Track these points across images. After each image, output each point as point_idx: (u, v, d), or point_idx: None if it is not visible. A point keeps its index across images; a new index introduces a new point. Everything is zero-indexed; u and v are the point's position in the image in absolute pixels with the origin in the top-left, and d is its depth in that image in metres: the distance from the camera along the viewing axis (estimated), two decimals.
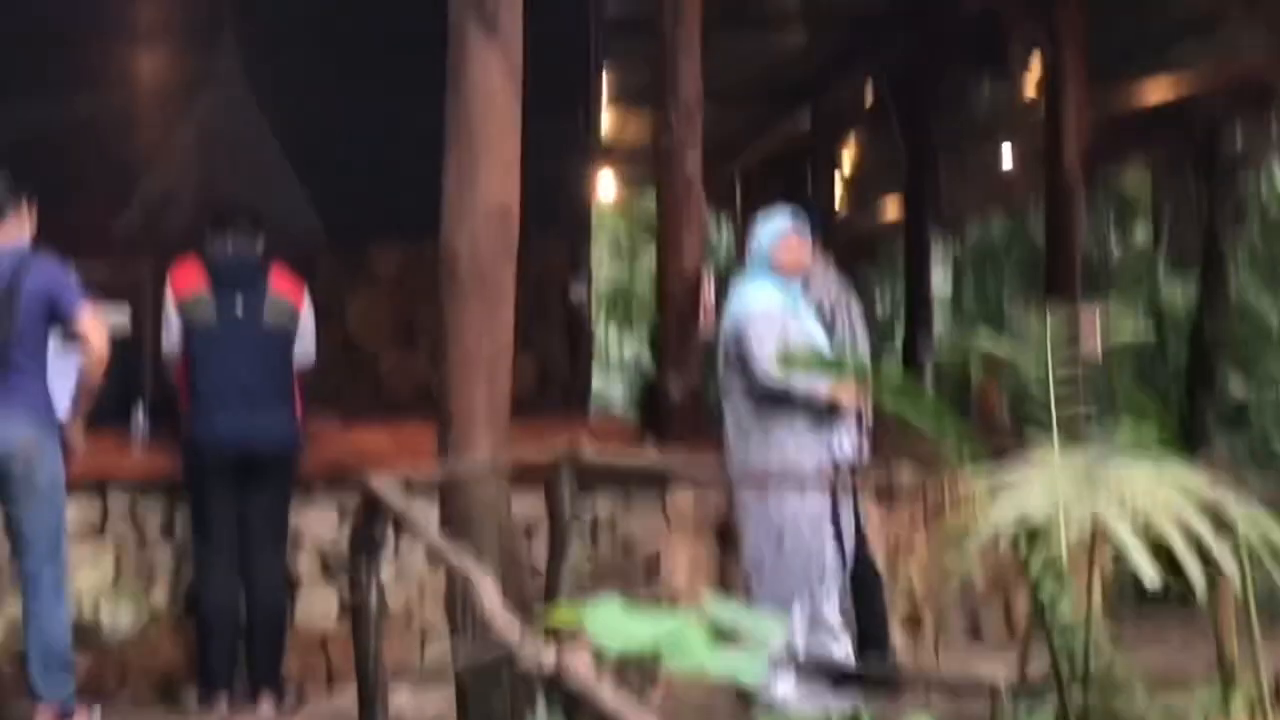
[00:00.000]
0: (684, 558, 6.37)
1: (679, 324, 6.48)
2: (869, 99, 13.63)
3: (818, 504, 5.45)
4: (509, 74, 5.19)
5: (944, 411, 4.05)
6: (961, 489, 4.85)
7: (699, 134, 6.55)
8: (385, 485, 4.41)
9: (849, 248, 15.53)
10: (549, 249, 9.13)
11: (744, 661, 2.77)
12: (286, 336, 6.00)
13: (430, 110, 8.56)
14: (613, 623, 2.82)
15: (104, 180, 8.44)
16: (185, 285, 5.96)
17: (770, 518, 5.53)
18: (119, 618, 6.03)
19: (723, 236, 18.54)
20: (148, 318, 6.81)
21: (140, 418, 6.19)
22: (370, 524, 4.54)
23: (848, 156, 15.86)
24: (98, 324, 5.35)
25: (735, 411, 5.59)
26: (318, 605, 6.15)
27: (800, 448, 5.46)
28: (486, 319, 5.13)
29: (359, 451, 6.25)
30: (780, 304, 5.57)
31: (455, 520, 5.11)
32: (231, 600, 5.86)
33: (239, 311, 5.90)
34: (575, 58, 9.24)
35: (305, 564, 6.16)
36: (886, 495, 5.17)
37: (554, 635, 4.34)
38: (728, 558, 6.41)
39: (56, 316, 5.32)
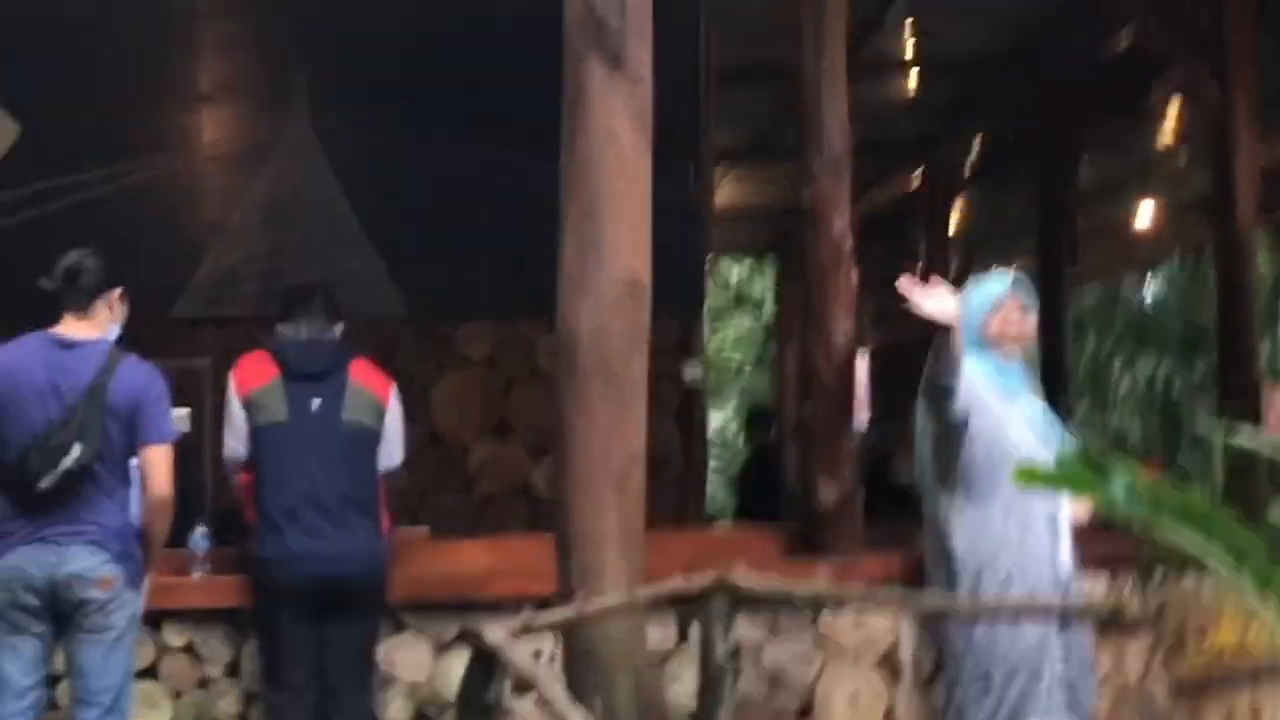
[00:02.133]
0: (843, 692, 5.40)
1: (829, 415, 5.54)
2: (986, 151, 12.72)
3: (1037, 635, 4.47)
4: (638, 118, 4.35)
5: (1232, 524, 3.06)
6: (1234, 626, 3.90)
7: (847, 191, 5.65)
8: (502, 637, 3.52)
9: None
10: (659, 326, 8.22)
11: None
12: (370, 436, 5.15)
13: (521, 171, 7.85)
14: None
15: (160, 257, 7.63)
16: (251, 377, 5.14)
17: (978, 650, 4.56)
18: None
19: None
20: (208, 416, 5.96)
21: (200, 535, 5.33)
22: (483, 684, 3.63)
23: (958, 215, 14.90)
24: (166, 463, 4.63)
25: (943, 507, 4.64)
26: None
27: (1026, 555, 4.50)
28: (616, 419, 4.28)
29: (456, 573, 5.39)
30: (995, 388, 4.62)
31: (582, 665, 4.23)
32: None
33: (314, 407, 5.05)
34: (684, 107, 8.35)
35: (396, 710, 5.27)
36: (1117, 627, 4.20)
37: None
38: (894, 691, 5.45)
39: (133, 433, 4.59)
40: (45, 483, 4.42)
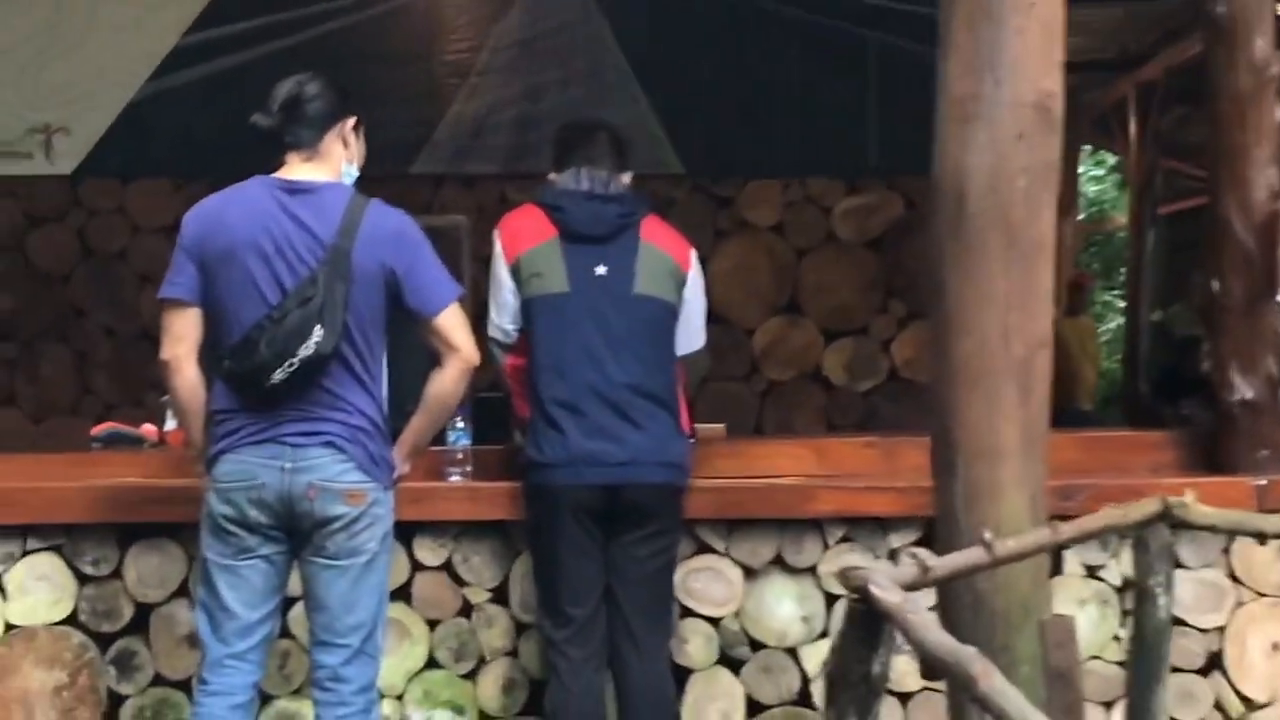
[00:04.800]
0: (1261, 639, 4.36)
1: (1246, 289, 4.44)
2: None
3: None
4: None
5: None
6: None
7: (1274, 5, 4.49)
8: (897, 596, 2.56)
9: None
10: None
11: None
12: (667, 312, 4.22)
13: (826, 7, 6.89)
14: None
15: (398, 104, 6.82)
16: (521, 238, 4.20)
17: None
18: None
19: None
20: (466, 286, 5.06)
21: (458, 431, 4.51)
22: (867, 650, 2.69)
23: None
24: (464, 323, 3.75)
25: None
26: (714, 703, 4.39)
27: None
28: (1020, 289, 3.27)
29: (771, 481, 4.49)
30: None
31: (969, 618, 3.24)
32: (595, 701, 4.13)
33: (599, 274, 4.14)
34: None
35: (695, 651, 4.40)
36: None
37: None
38: None
39: (400, 300, 3.70)
40: (278, 375, 3.54)
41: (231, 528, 3.62)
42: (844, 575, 2.73)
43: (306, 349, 3.53)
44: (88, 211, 7.24)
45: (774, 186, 7.24)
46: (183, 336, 3.66)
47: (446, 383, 3.73)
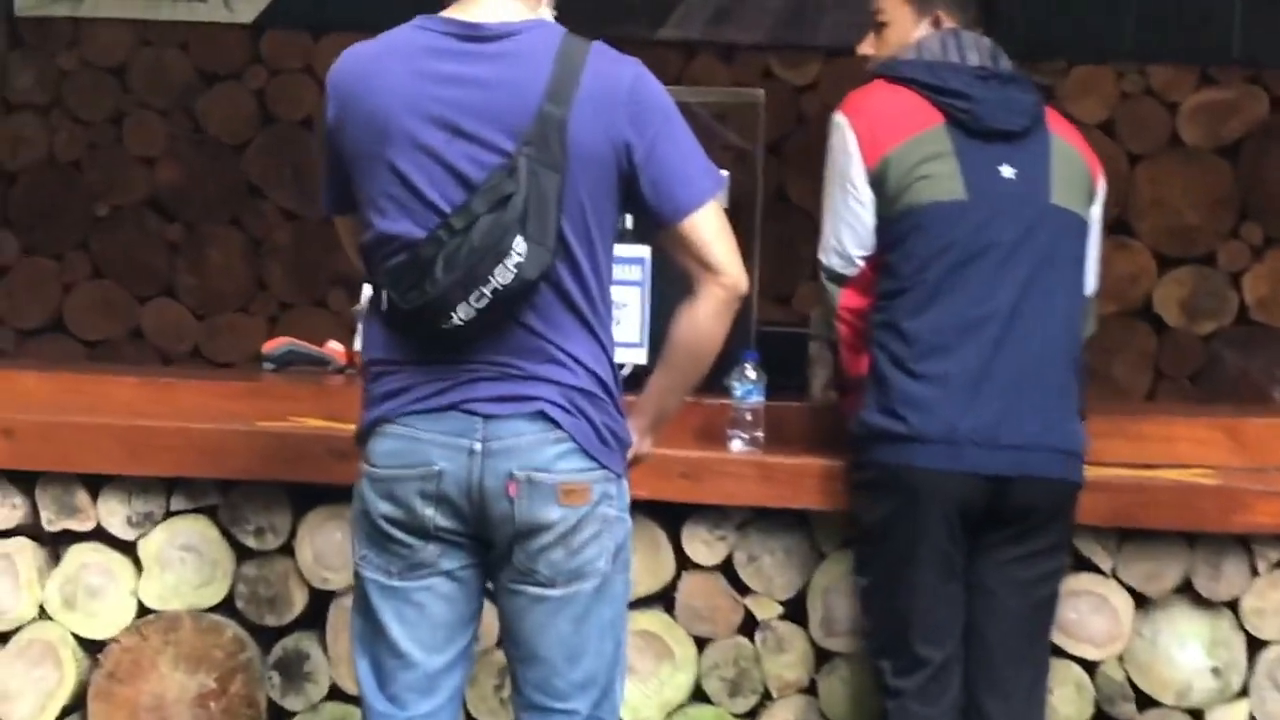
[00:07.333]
0: None
1: None
2: None
3: None
4: None
5: None
6: None
7: None
8: None
9: None
10: None
11: None
12: (1082, 232, 3.23)
13: None
14: None
15: None
16: (890, 124, 3.16)
17: None
18: None
19: None
20: (759, 189, 4.04)
21: (747, 380, 3.43)
22: None
23: None
24: (728, 230, 2.70)
25: None
26: None
27: None
28: None
29: (1175, 478, 3.43)
30: None
31: None
32: None
33: (1008, 174, 3.14)
34: None
35: (1062, 698, 3.35)
36: None
37: None
38: None
39: (636, 195, 2.64)
40: (462, 312, 2.50)
41: (396, 533, 2.64)
42: None
43: (504, 273, 2.49)
44: (270, 70, 6.43)
45: (1107, 74, 6.17)
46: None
47: (700, 320, 2.69)
